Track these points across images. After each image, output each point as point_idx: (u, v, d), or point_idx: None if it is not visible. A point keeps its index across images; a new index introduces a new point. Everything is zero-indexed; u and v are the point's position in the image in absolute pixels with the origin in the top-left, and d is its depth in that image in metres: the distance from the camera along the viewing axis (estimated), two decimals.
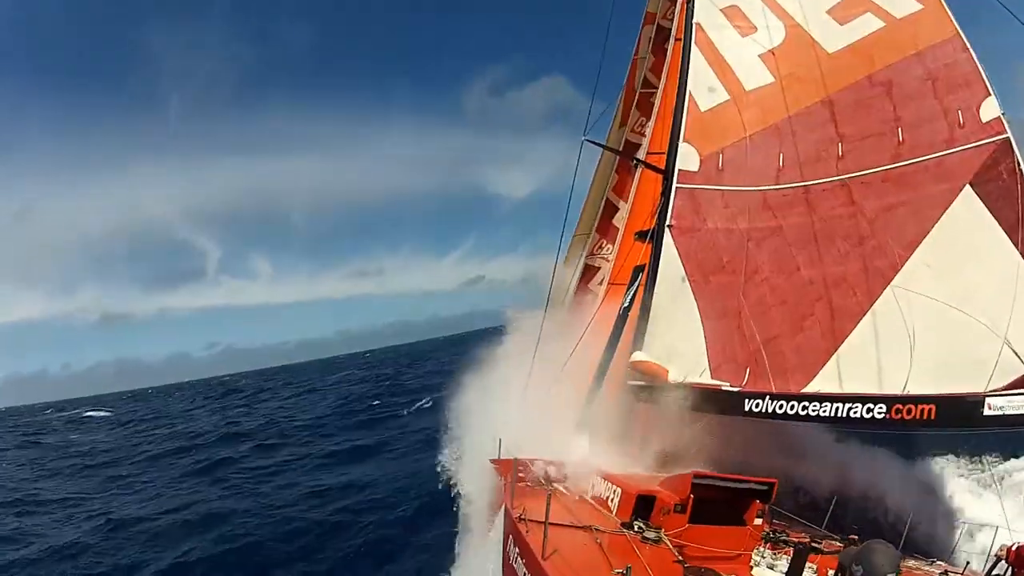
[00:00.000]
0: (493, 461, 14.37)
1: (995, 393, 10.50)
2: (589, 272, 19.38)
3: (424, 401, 43.44)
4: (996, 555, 6.93)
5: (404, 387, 62.01)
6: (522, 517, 11.41)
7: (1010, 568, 6.63)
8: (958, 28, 13.44)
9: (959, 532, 9.86)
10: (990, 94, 12.72)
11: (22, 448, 60.47)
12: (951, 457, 11.10)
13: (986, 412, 10.38)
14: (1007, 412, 10.28)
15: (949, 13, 13.59)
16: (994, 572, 7.96)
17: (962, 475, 11.02)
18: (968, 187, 12.34)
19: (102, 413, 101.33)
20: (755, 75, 14.84)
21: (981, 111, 12.69)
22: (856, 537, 10.10)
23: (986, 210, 12.11)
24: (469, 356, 19.61)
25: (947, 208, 12.39)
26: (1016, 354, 10.86)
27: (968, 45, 13.22)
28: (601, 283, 18.58)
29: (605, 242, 19.10)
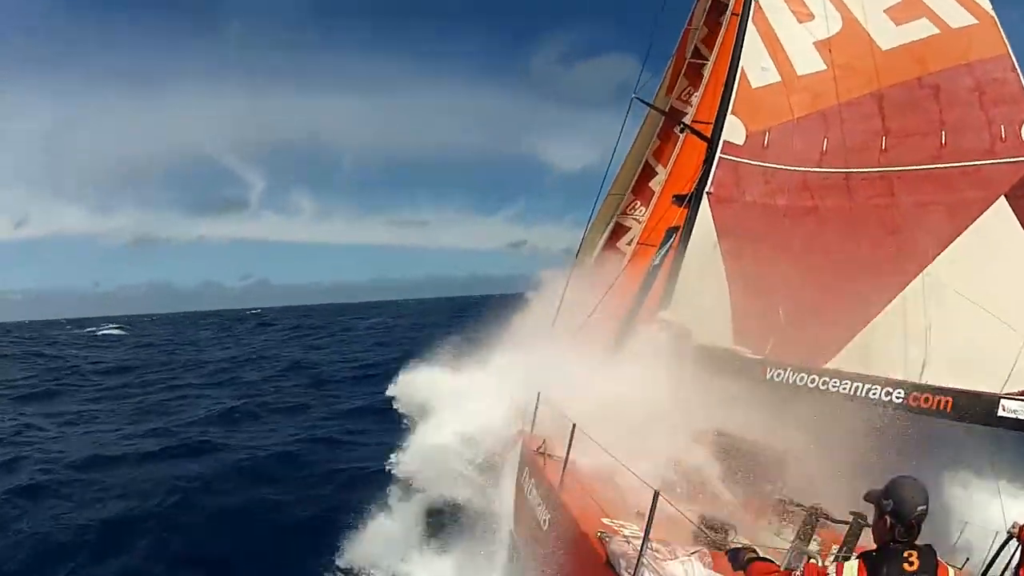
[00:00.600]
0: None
1: (1011, 396, 10.54)
2: (619, 231, 19.06)
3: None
4: (1008, 532, 6.77)
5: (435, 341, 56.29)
6: (541, 450, 11.24)
7: (1021, 547, 6.43)
8: (1009, 48, 13.35)
9: (960, 530, 9.77)
10: None
11: (14, 360, 57.61)
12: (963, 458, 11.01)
13: (1000, 413, 10.44)
14: (1020, 416, 10.31)
15: (1002, 32, 13.50)
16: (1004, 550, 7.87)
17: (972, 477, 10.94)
18: (1003, 198, 12.39)
19: (116, 332, 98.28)
20: (808, 61, 14.62)
21: (1023, 129, 12.65)
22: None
23: (1018, 223, 12.18)
24: (501, 316, 18.05)
25: (981, 215, 12.43)
26: None
27: (1016, 65, 13.15)
28: (630, 243, 18.38)
29: (639, 203, 18.78)
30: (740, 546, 6.15)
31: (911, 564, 4.49)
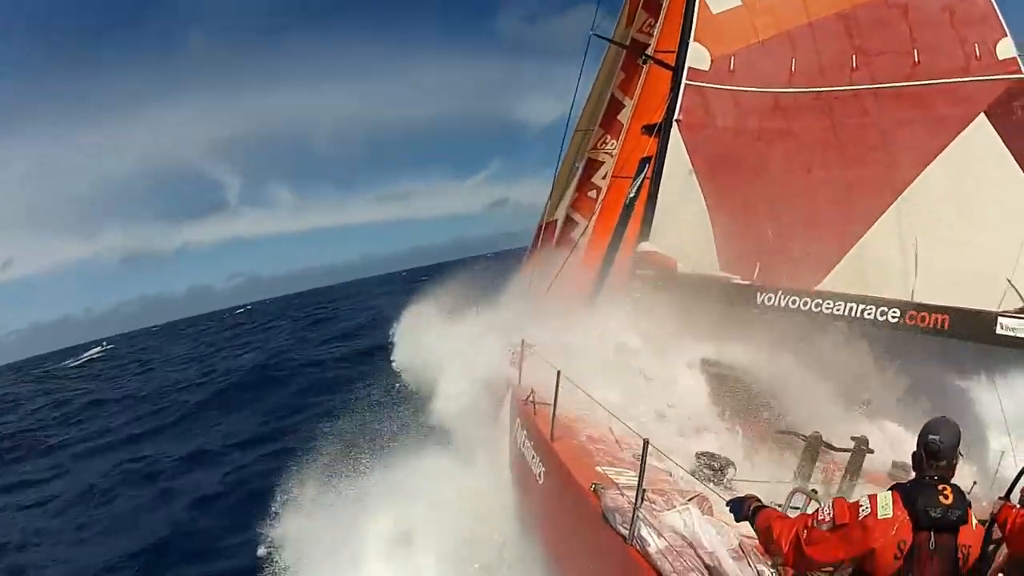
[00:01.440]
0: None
1: (1008, 314, 10.10)
2: (592, 165, 18.42)
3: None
4: None
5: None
6: (530, 399, 10.39)
7: None
8: None
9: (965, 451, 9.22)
10: (1006, 34, 12.39)
11: None
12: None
13: (998, 331, 9.98)
14: (1018, 334, 9.84)
15: None
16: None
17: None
18: (983, 115, 12.04)
19: (98, 354, 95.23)
20: None
21: (997, 49, 12.37)
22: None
23: (1000, 140, 11.85)
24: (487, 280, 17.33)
25: (961, 132, 12.08)
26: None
27: None
28: (604, 177, 17.57)
29: (609, 137, 18.10)
30: (743, 495, 5.45)
31: (946, 497, 4.30)
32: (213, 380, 42.07)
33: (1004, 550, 4.54)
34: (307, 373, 34.47)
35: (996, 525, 4.53)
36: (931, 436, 4.46)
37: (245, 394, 33.75)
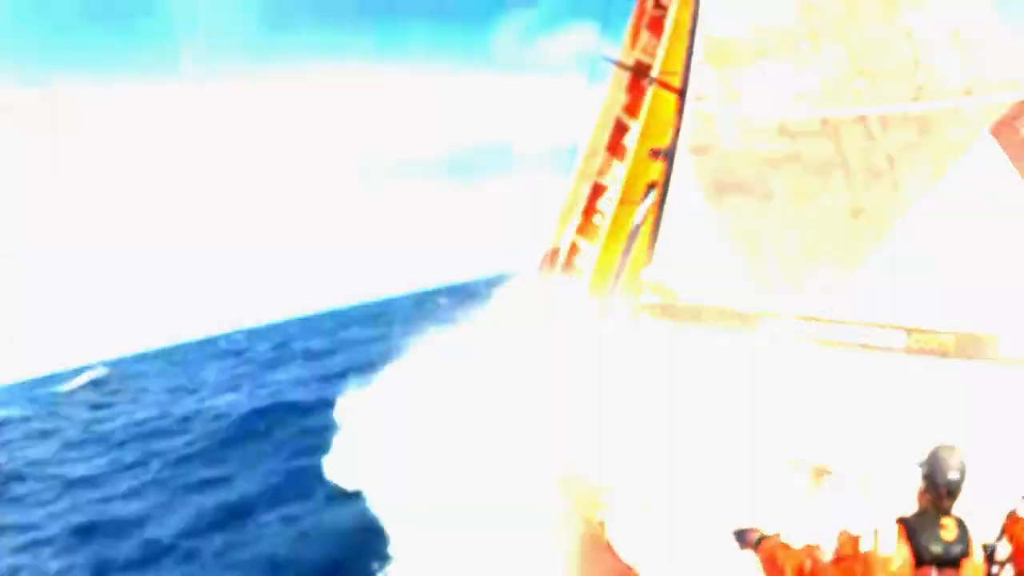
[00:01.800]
0: None
1: (1011, 335, 10.19)
2: (598, 190, 18.25)
3: None
4: None
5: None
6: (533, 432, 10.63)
7: None
8: None
9: None
10: (1010, 55, 12.29)
11: None
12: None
13: (1003, 351, 10.13)
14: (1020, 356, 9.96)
15: None
16: None
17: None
18: (988, 135, 11.94)
19: (85, 382, 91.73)
20: (773, 4, 13.95)
21: (1002, 68, 12.26)
22: None
23: (1006, 159, 11.77)
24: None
25: (966, 152, 12.03)
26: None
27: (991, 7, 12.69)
28: (609, 202, 17.57)
29: (615, 161, 17.95)
30: (746, 525, 5.57)
31: (948, 532, 4.39)
32: (191, 427, 38.95)
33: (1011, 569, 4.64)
34: (294, 424, 32.21)
35: (1004, 537, 4.66)
36: (950, 476, 4.45)
37: (220, 452, 31.22)
